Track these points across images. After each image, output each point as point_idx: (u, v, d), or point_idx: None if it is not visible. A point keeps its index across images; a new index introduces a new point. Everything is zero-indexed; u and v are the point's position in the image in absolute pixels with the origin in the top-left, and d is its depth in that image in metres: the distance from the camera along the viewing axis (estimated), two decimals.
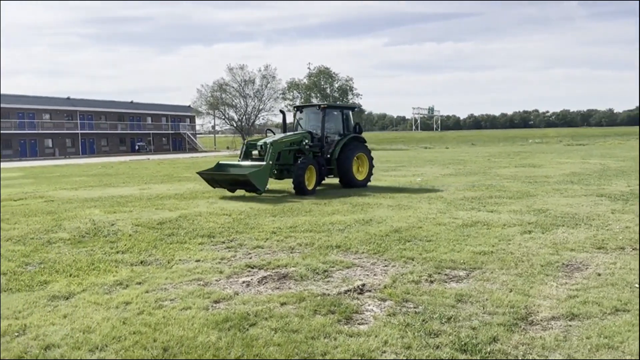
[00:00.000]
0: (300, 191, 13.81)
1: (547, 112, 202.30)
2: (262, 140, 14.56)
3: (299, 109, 16.88)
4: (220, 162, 14.90)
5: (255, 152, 14.46)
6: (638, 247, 7.05)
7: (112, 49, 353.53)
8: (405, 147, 59.47)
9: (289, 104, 64.68)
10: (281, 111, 17.73)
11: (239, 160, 14.78)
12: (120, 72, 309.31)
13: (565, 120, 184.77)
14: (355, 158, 15.71)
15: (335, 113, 16.32)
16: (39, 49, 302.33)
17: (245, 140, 15.78)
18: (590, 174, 18.30)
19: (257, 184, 13.04)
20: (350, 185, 15.39)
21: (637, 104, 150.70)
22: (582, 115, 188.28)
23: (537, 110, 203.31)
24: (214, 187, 14.33)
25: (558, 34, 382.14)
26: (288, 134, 15.37)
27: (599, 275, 5.82)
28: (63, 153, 61.72)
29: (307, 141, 14.94)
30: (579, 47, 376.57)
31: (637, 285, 5.34)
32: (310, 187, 14.04)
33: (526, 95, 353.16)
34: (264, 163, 13.54)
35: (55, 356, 3.91)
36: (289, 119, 21.23)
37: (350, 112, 16.94)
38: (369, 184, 16.19)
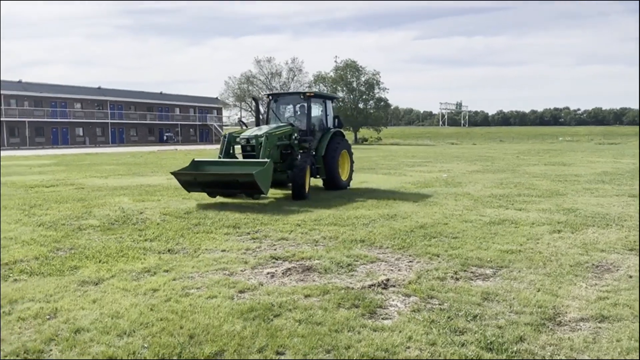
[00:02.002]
0: (300, 195, 11.61)
1: (579, 109, 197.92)
2: (248, 133, 11.99)
3: (274, 97, 14.40)
4: (195, 159, 11.97)
5: (247, 147, 11.87)
6: (638, 247, 6.88)
7: (143, 40, 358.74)
8: (431, 143, 58.97)
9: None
10: (254, 98, 14.67)
11: (219, 157, 12.01)
12: (150, 63, 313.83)
13: (597, 118, 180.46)
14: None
15: (318, 104, 14.04)
16: (73, 40, 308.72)
17: (226, 134, 12.55)
18: (622, 173, 17.85)
19: (263, 185, 10.59)
20: (335, 186, 13.29)
21: (638, 105, 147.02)
22: (615, 114, 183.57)
23: (568, 108, 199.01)
24: (190, 192, 11.63)
25: (592, 30, 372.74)
26: (273, 125, 12.74)
27: (631, 277, 5.68)
28: (93, 142, 62.99)
29: (296, 135, 12.73)
30: (614, 43, 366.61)
31: None
32: (307, 191, 11.92)
33: (557, 92, 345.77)
34: (266, 160, 10.95)
35: (84, 340, 4.01)
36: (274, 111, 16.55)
37: (331, 104, 14.71)
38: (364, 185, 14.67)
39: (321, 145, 13.27)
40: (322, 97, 14.42)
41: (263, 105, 20.27)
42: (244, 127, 13.85)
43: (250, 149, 11.77)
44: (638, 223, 8.62)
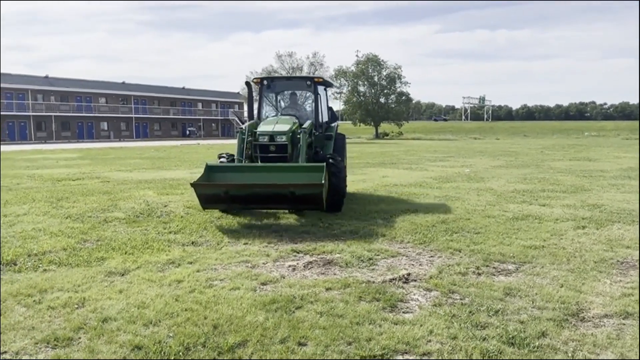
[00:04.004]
0: (338, 206, 9.09)
1: (605, 104, 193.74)
2: (268, 128, 9.25)
3: (269, 83, 10.89)
4: (209, 163, 8.92)
5: (271, 147, 9.07)
6: (638, 246, 6.75)
7: (166, 35, 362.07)
8: (453, 137, 58.41)
9: (335, 92, 64.39)
10: (247, 83, 10.62)
11: (240, 160, 9.10)
12: (173, 59, 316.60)
13: (624, 113, 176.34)
14: None
15: (318, 92, 10.73)
16: (98, 35, 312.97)
17: (243, 127, 9.46)
18: None
19: (324, 197, 8.17)
20: (341, 195, 9.23)
21: (638, 102, 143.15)
22: None
23: (594, 102, 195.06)
24: (207, 209, 8.75)
25: (619, 23, 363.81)
26: (285, 117, 9.95)
27: None
28: (117, 136, 63.98)
29: (313, 130, 10.13)
30: None
31: None
32: None
33: (583, 87, 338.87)
34: (321, 164, 8.50)
35: (112, 329, 4.12)
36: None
37: (327, 92, 12.08)
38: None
39: (327, 143, 10.51)
40: (323, 85, 11.34)
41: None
42: (242, 120, 10.93)
43: (276, 148, 9.06)
44: (638, 217, 8.45)
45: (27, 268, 5.79)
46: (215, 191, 8.18)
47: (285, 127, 9.25)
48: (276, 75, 52.75)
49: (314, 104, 10.60)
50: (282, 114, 10.46)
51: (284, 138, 9.07)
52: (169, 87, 73.94)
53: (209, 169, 8.73)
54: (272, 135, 9.12)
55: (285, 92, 11.44)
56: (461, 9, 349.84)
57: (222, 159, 9.56)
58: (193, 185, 8.15)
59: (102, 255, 6.33)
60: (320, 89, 10.91)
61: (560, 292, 4.95)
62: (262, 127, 9.36)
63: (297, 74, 65.07)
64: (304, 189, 7.91)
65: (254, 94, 10.67)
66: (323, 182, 7.95)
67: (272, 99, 11.30)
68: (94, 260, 6.10)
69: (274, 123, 9.53)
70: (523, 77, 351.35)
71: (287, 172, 8.60)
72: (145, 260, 6.09)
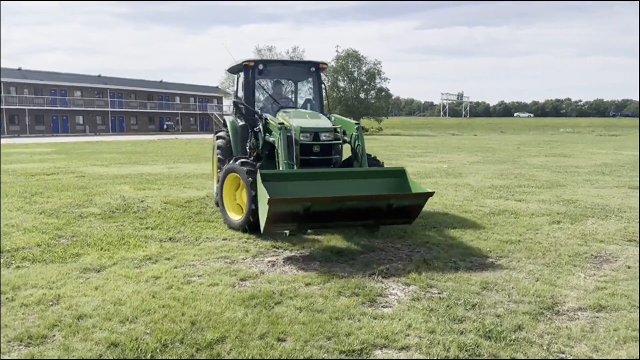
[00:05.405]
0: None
1: (580, 101, 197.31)
2: (311, 124, 7.50)
3: (263, 67, 8.66)
4: (263, 172, 6.37)
5: (314, 147, 7.36)
6: (638, 239, 6.91)
7: (143, 28, 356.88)
8: (432, 134, 58.88)
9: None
10: (245, 66, 8.59)
11: (289, 164, 7.07)
12: (150, 51, 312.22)
13: (599, 110, 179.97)
14: None
15: (322, 80, 9.41)
16: (73, 27, 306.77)
17: (286, 125, 7.25)
18: (622, 165, 17.86)
19: None
20: None
21: (639, 99, 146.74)
22: (617, 105, 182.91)
23: (569, 99, 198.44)
24: (274, 230, 6.48)
25: (594, 21, 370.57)
26: (303, 111, 8.28)
27: (629, 268, 5.72)
28: (93, 130, 62.93)
29: None
30: (616, 34, 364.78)
31: None
32: None
33: (559, 83, 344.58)
34: (402, 168, 7.24)
35: (87, 326, 4.05)
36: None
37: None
38: None
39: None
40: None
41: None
42: (240, 106, 8.59)
43: (320, 149, 7.39)
44: (638, 215, 8.64)
45: None
46: (292, 208, 6.02)
47: (328, 123, 7.73)
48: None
49: (315, 94, 9.16)
50: (283, 106, 8.56)
51: (331, 136, 7.44)
52: (146, 81, 72.87)
53: (265, 178, 6.19)
54: (317, 133, 7.34)
55: (290, 78, 9.63)
56: (440, 6, 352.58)
57: (241, 160, 7.29)
58: (270, 202, 5.70)
59: (77, 251, 6.22)
60: (322, 77, 9.46)
61: (535, 286, 5.03)
62: (301, 123, 7.42)
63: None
64: (406, 199, 6.51)
65: (241, 80, 9.05)
66: (430, 191, 6.62)
67: (265, 88, 9.44)
68: (69, 257, 5.99)
69: (305, 117, 7.79)
70: (500, 74, 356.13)
71: (367, 179, 7.03)
72: (122, 257, 6.00)
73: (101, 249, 6.33)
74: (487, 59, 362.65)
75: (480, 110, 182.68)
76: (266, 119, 7.85)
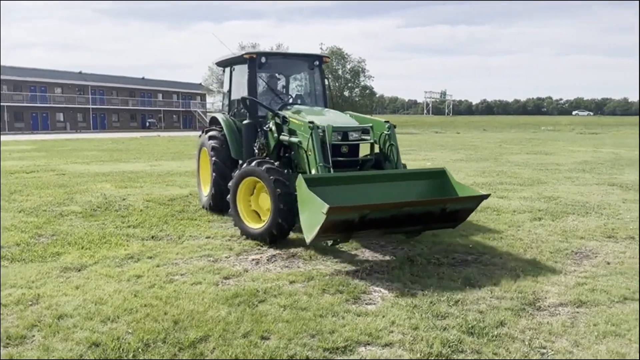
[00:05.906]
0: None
1: (561, 99, 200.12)
2: (341, 122, 7.04)
3: (263, 62, 8.00)
4: (305, 177, 5.69)
5: (343, 147, 6.89)
6: (638, 243, 7.01)
7: (124, 23, 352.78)
8: (416, 131, 59.15)
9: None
10: (248, 58, 8.04)
11: (325, 167, 6.45)
12: (132, 47, 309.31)
13: (579, 108, 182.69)
14: None
15: (324, 75, 9.11)
16: (51, 22, 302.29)
17: (316, 124, 6.63)
18: (602, 162, 18.14)
19: None
20: None
21: (638, 98, 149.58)
22: (597, 104, 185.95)
23: (550, 98, 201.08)
24: (324, 239, 5.83)
25: (575, 20, 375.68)
26: (325, 111, 7.79)
27: (608, 263, 5.81)
28: (74, 127, 62.02)
29: None
30: (596, 33, 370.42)
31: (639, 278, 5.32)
32: None
33: (540, 82, 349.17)
34: (442, 169, 6.74)
35: (67, 326, 3.99)
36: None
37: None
38: None
39: None
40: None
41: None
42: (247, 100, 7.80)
43: (349, 150, 6.95)
44: (638, 215, 8.66)
45: None
46: (348, 216, 5.42)
47: (355, 122, 7.22)
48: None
49: (318, 89, 8.72)
50: (285, 103, 8.18)
51: (357, 135, 6.99)
52: (127, 77, 71.98)
53: (310, 183, 5.62)
54: (346, 132, 6.85)
55: (292, 73, 9.14)
56: (423, 5, 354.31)
57: (266, 167, 6.53)
58: (329, 211, 5.04)
59: (57, 250, 6.13)
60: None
61: (517, 282, 5.08)
62: (329, 121, 6.88)
63: None
64: (460, 203, 6.15)
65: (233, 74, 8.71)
66: (486, 193, 6.24)
67: (265, 82, 8.65)
68: (49, 256, 5.90)
69: (323, 115, 7.34)
70: (483, 72, 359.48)
71: (408, 181, 6.64)
72: (103, 255, 5.93)
73: (82, 248, 6.25)
74: (469, 57, 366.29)
75: (463, 109, 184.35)
76: (284, 117, 7.23)
